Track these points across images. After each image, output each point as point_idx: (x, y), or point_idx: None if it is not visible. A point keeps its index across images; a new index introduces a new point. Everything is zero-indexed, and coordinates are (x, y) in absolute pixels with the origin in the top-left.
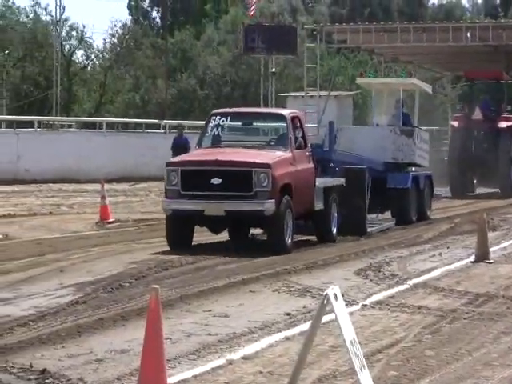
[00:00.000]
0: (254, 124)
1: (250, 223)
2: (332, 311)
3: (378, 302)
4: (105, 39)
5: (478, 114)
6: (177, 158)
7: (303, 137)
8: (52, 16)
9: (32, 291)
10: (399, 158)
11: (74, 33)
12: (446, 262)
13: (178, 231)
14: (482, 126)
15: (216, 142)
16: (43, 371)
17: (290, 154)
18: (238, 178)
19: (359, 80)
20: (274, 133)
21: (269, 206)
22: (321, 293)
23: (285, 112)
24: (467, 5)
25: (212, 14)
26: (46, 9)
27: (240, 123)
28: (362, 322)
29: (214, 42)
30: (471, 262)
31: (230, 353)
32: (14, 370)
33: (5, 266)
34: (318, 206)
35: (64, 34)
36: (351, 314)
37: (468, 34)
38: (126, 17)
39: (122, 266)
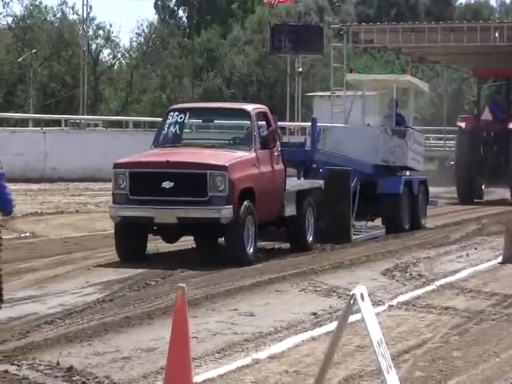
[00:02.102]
0: (216, 121)
1: (206, 232)
2: (358, 311)
3: (405, 303)
4: (131, 38)
5: (487, 115)
6: (125, 159)
7: (272, 135)
8: (79, 15)
9: (59, 289)
10: (390, 161)
11: (100, 32)
12: (474, 262)
13: (129, 240)
14: (491, 126)
15: (173, 141)
16: (70, 368)
17: (253, 155)
18: (191, 182)
19: (349, 76)
20: (237, 131)
21: (226, 212)
22: (347, 293)
23: (249, 107)
24: (495, 4)
25: (238, 14)
26: (73, 8)
27: (200, 120)
28: (389, 323)
29: (240, 41)
30: (499, 263)
31: (256, 352)
32: (41, 368)
33: (32, 264)
34: (289, 211)
35: (91, 33)
36: (378, 314)
37: (496, 34)
38: (152, 16)
39: (148, 265)
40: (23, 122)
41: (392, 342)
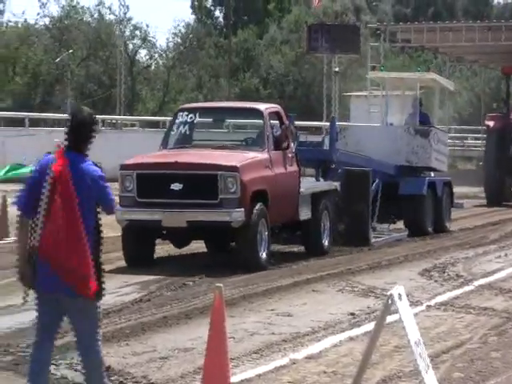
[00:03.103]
0: (227, 121)
1: (217, 236)
2: (396, 311)
3: (443, 303)
4: (168, 39)
5: None
6: (132, 160)
7: (285, 135)
8: (116, 15)
9: None
10: (413, 162)
11: (137, 32)
12: None
13: (136, 245)
14: None
15: (182, 142)
16: (108, 368)
17: (265, 155)
18: (201, 184)
19: (371, 74)
20: (249, 131)
21: (237, 215)
22: (385, 293)
23: (261, 107)
24: None
25: (275, 14)
26: (109, 8)
27: (210, 120)
28: (427, 323)
29: (276, 41)
30: None
31: (293, 352)
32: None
33: None
34: (304, 214)
35: (127, 33)
36: (416, 314)
37: None
38: (189, 16)
39: (185, 264)
40: (61, 122)
41: (430, 343)
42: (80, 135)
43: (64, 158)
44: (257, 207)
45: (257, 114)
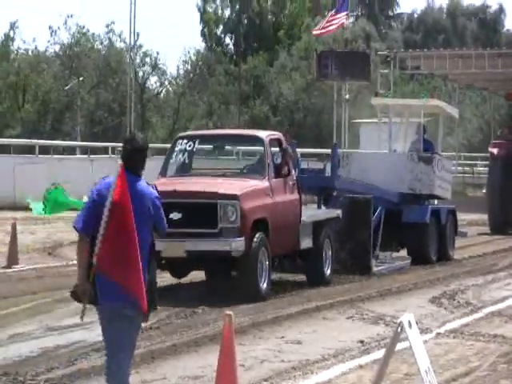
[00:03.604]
0: (227, 148)
1: (217, 265)
2: (406, 339)
3: (453, 331)
4: (178, 66)
5: None
6: None
7: (286, 162)
8: (126, 43)
9: None
10: (417, 189)
11: (147, 59)
12: None
13: None
14: None
15: (181, 170)
16: None
17: (266, 183)
18: (201, 213)
19: (374, 101)
20: (249, 158)
21: (237, 245)
22: (394, 320)
23: (262, 134)
24: None
25: (285, 41)
26: (120, 36)
27: (210, 148)
28: (437, 351)
29: (286, 68)
30: None
31: (303, 380)
32: None
33: None
34: (305, 243)
35: (138, 60)
36: (425, 342)
37: None
38: (199, 43)
39: (196, 292)
40: (71, 150)
41: (440, 370)
42: (136, 159)
43: (124, 181)
44: (257, 236)
45: (257, 141)
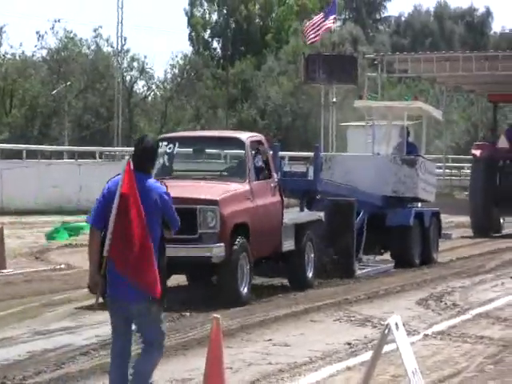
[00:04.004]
0: (207, 151)
1: (197, 271)
2: (393, 341)
3: (440, 332)
4: (166, 70)
5: (503, 142)
6: None
7: (267, 165)
8: (113, 47)
9: (94, 320)
10: (400, 192)
11: (135, 64)
12: (509, 291)
13: None
14: (508, 155)
15: (162, 173)
16: None
17: (247, 187)
18: (180, 218)
19: (358, 103)
20: (230, 161)
21: (217, 251)
22: (382, 322)
23: (243, 136)
24: None
25: (272, 44)
26: (107, 40)
27: (191, 150)
28: (424, 352)
29: (274, 72)
30: None
31: (290, 382)
32: None
33: (67, 295)
34: (287, 246)
35: (125, 64)
36: (413, 343)
37: None
38: (186, 48)
39: (183, 296)
40: (58, 154)
41: (427, 372)
42: (145, 158)
43: (131, 175)
44: (238, 241)
45: (238, 143)
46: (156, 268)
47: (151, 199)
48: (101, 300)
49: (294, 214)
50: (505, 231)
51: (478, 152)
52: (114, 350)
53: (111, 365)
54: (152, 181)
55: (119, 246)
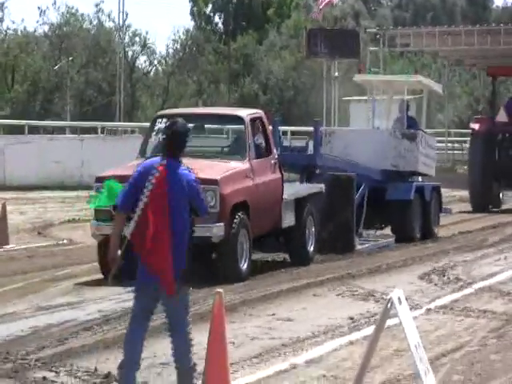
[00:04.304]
0: (207, 128)
1: (197, 249)
2: (396, 315)
3: (443, 306)
4: (167, 45)
5: (502, 116)
6: (108, 172)
7: (267, 142)
8: (115, 22)
9: (97, 296)
10: (400, 166)
11: (136, 39)
12: None
13: None
14: (507, 129)
15: (160, 150)
16: (108, 375)
17: (247, 165)
18: None
19: (357, 77)
20: (230, 138)
21: (217, 230)
22: (384, 297)
23: (242, 113)
24: None
25: (274, 19)
26: (109, 15)
27: (190, 127)
28: (427, 326)
29: (276, 46)
30: None
31: (293, 357)
32: (79, 374)
33: (70, 270)
34: (287, 221)
35: (127, 40)
36: (415, 318)
37: None
38: (188, 23)
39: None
40: (60, 130)
41: (430, 346)
42: (175, 143)
43: (165, 169)
44: (237, 218)
45: (238, 120)
46: (170, 266)
47: (180, 185)
48: (115, 275)
49: (294, 188)
50: (505, 206)
51: (476, 126)
52: (128, 335)
53: (124, 346)
54: (182, 167)
55: (141, 232)
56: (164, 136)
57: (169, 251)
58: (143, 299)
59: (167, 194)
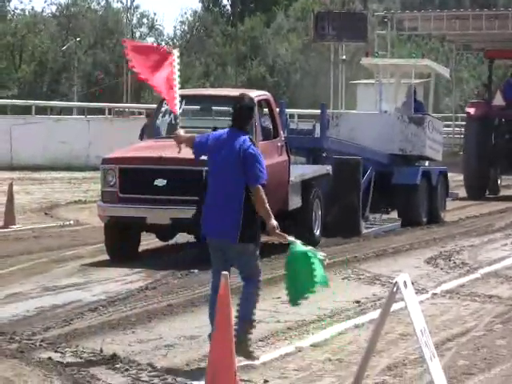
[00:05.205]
0: (215, 109)
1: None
2: (402, 299)
3: (449, 291)
4: (175, 27)
5: (499, 100)
6: (115, 154)
7: (274, 124)
8: (123, 3)
9: (103, 277)
10: (407, 150)
11: (144, 20)
12: None
13: (119, 240)
14: (503, 113)
15: (167, 131)
16: (113, 356)
17: None
18: (186, 180)
19: (364, 61)
20: None
21: None
22: (390, 281)
23: (250, 95)
24: None
25: (282, 1)
26: None
27: (197, 108)
28: (432, 311)
29: (283, 29)
30: None
31: (299, 340)
32: (85, 355)
33: (76, 251)
34: (294, 204)
35: (135, 21)
36: (421, 302)
37: None
38: (196, 4)
39: (191, 254)
40: (67, 110)
41: (435, 330)
42: (242, 116)
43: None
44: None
45: None
46: (235, 216)
47: (234, 151)
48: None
49: (301, 169)
50: (502, 193)
51: (471, 110)
52: (212, 285)
53: (210, 299)
54: (243, 138)
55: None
56: (232, 110)
57: (237, 208)
58: (214, 259)
59: (227, 158)
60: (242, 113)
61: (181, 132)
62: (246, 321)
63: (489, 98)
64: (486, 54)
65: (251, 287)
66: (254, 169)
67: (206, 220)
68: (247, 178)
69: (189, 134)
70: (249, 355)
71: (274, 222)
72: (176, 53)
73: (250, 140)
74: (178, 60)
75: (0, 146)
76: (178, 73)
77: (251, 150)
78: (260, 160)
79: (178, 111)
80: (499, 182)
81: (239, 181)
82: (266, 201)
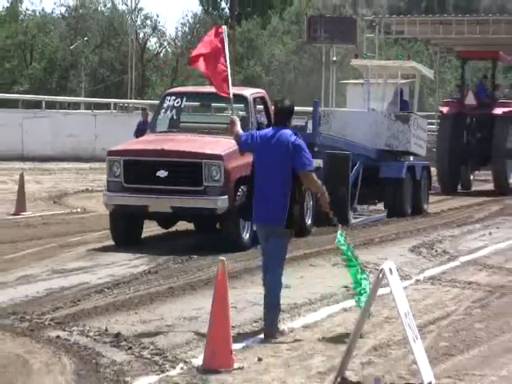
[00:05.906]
0: (213, 105)
1: (201, 221)
2: (387, 285)
3: (431, 278)
4: (177, 28)
5: (470, 99)
6: (120, 146)
7: (269, 120)
8: (128, 6)
9: (108, 261)
10: (393, 146)
11: (148, 22)
12: (496, 241)
13: (124, 227)
14: (475, 112)
15: (169, 126)
16: (117, 335)
17: None
18: (186, 171)
19: (354, 62)
20: (236, 114)
21: (221, 202)
22: (377, 268)
23: (246, 92)
24: None
25: (277, 5)
26: None
27: (197, 105)
28: (416, 296)
29: (279, 31)
30: None
31: (291, 321)
32: (91, 334)
33: (83, 237)
34: None
35: (139, 22)
36: (405, 287)
37: None
38: (196, 7)
39: (191, 240)
40: (75, 105)
41: (418, 314)
42: (282, 116)
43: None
44: (240, 191)
45: (241, 99)
46: (281, 201)
47: (283, 145)
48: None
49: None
50: (474, 188)
51: (445, 109)
52: (263, 262)
53: (262, 268)
54: (288, 132)
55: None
56: (274, 110)
57: (283, 197)
58: (261, 239)
59: (275, 152)
60: (283, 114)
61: (237, 121)
62: (278, 307)
63: (461, 97)
64: (460, 54)
65: (277, 274)
66: (302, 157)
67: (256, 209)
68: (297, 165)
69: (239, 129)
70: (281, 333)
71: (328, 198)
72: (225, 29)
73: (295, 134)
74: (226, 39)
75: (12, 137)
76: (227, 53)
77: (298, 142)
78: (306, 150)
79: (231, 94)
80: (472, 178)
81: (288, 172)
82: (320, 182)
